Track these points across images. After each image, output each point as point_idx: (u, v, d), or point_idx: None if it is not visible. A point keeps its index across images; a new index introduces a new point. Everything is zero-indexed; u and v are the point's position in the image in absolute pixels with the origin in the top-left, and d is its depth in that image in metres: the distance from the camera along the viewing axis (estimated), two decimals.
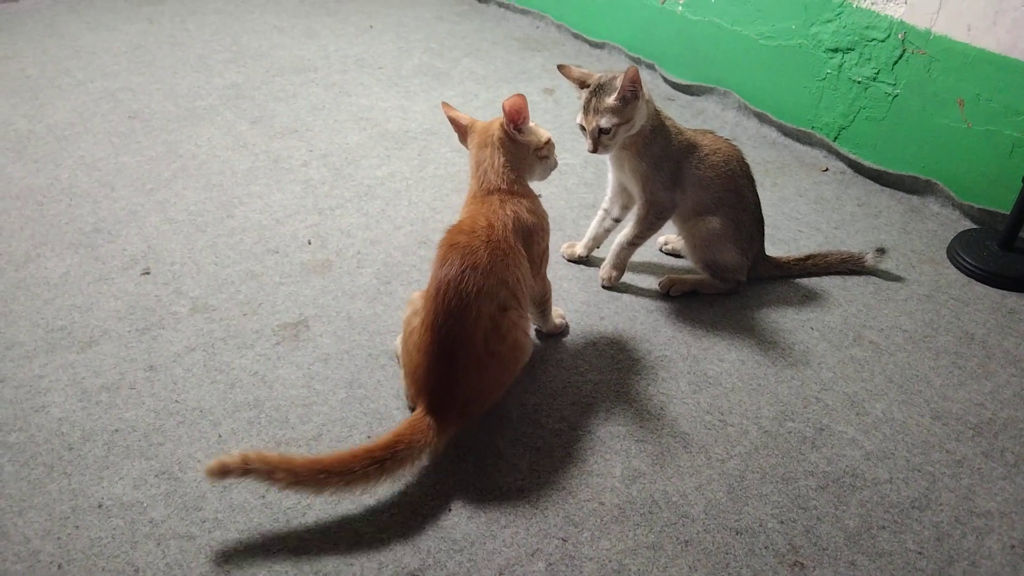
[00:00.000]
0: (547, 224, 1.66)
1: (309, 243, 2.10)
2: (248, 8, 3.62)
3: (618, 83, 1.74)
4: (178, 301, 1.87)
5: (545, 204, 2.28)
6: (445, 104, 1.71)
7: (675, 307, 1.93)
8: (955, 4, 2.15)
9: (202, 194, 2.28)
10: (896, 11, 2.28)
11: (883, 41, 2.35)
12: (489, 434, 1.55)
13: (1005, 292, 2.04)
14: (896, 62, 2.33)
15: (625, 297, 1.96)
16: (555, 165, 1.71)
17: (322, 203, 2.27)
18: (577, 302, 1.94)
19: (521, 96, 1.57)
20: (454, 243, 1.46)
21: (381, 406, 1.60)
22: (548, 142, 1.66)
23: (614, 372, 1.73)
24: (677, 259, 2.13)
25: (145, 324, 1.79)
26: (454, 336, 1.40)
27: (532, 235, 1.58)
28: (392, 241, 2.13)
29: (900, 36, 2.30)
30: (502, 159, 1.60)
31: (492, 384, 1.50)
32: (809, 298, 1.99)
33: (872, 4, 2.34)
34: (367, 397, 1.62)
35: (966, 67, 2.18)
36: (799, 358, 1.80)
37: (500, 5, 3.73)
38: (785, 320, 1.91)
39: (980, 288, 2.05)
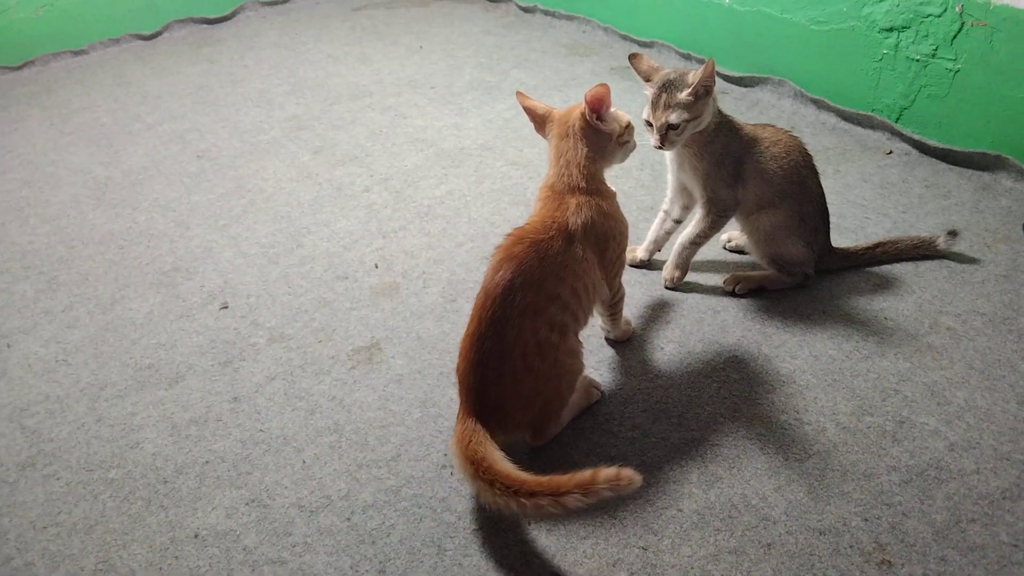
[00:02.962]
0: (624, 228, 1.64)
1: (376, 267, 2.16)
2: (302, 40, 3.73)
3: (691, 79, 1.73)
4: (256, 332, 1.94)
5: None
6: (520, 93, 1.68)
7: (742, 306, 1.92)
8: None
9: (272, 226, 2.36)
10: None
11: (939, 16, 2.28)
12: (563, 447, 1.57)
13: None
14: (955, 36, 2.26)
15: (690, 299, 1.96)
16: (634, 147, 1.67)
17: (385, 226, 2.33)
18: (641, 307, 1.94)
19: (604, 86, 1.54)
20: (511, 254, 1.45)
21: (454, 423, 1.63)
22: (628, 126, 1.63)
23: (684, 376, 1.73)
24: (741, 256, 2.11)
25: (227, 357, 1.86)
26: (491, 347, 1.40)
27: (607, 241, 1.57)
28: (455, 259, 2.17)
29: (958, 9, 2.23)
30: (584, 150, 1.56)
31: (530, 396, 1.44)
32: (880, 287, 1.95)
33: None
34: (441, 415, 1.66)
35: None
36: (874, 350, 1.76)
37: (546, 13, 3.75)
38: (857, 312, 1.87)
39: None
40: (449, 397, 1.70)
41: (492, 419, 1.41)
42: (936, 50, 2.32)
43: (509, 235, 1.50)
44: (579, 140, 1.57)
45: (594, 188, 1.57)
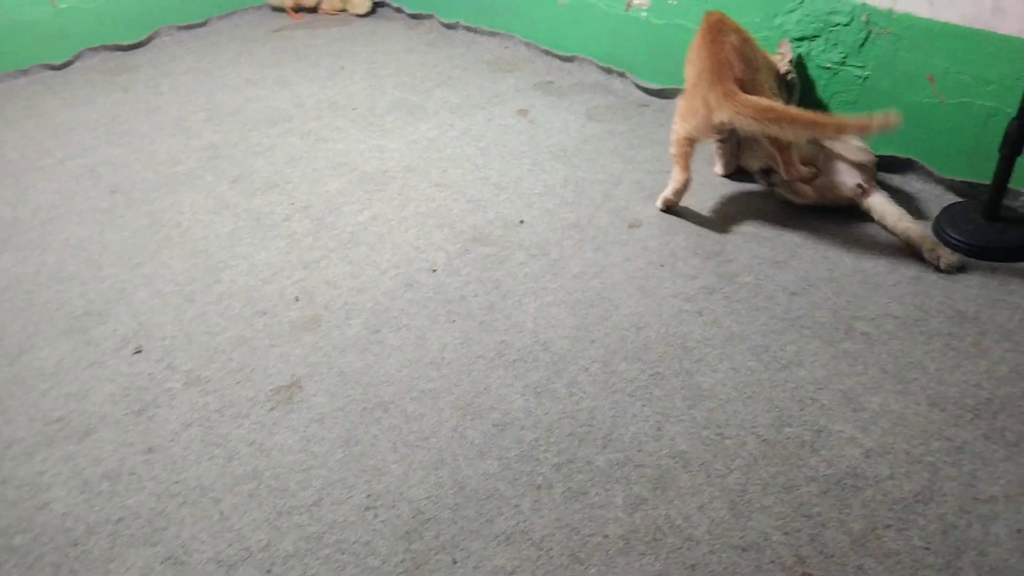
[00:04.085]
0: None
1: (296, 300, 2.12)
2: (220, 64, 3.65)
3: None
4: (172, 377, 1.89)
5: (525, 230, 2.29)
6: None
7: (664, 321, 1.93)
8: None
9: (188, 262, 2.30)
10: None
11: (847, 25, 2.34)
12: (489, 479, 1.55)
13: (994, 264, 2.02)
14: (863, 44, 2.32)
15: (614, 316, 1.96)
16: None
17: (307, 256, 2.29)
18: (566, 327, 1.94)
19: None
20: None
21: (379, 461, 1.61)
22: None
23: (609, 396, 1.73)
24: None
25: (141, 405, 1.81)
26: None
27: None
28: (379, 287, 2.14)
29: (863, 18, 2.29)
30: None
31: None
32: (797, 295, 1.98)
33: None
34: (364, 454, 1.63)
35: (932, 42, 2.17)
36: (792, 359, 1.79)
37: (468, 29, 3.74)
38: (775, 321, 1.90)
39: (969, 263, 2.04)
40: (372, 434, 1.68)
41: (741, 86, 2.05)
42: (845, 58, 2.38)
43: None
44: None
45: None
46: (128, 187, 2.71)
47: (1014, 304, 1.88)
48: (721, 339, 1.86)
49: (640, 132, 2.82)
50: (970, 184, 2.21)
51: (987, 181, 2.16)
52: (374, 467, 1.59)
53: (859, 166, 2.19)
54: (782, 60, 2.41)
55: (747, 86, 2.07)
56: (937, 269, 2.00)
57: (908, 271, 2.03)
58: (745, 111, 2.00)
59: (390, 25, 4.05)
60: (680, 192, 2.29)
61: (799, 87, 2.47)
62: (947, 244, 2.09)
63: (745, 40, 2.22)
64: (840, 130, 1.98)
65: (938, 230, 2.14)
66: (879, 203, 2.15)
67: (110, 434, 1.72)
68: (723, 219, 2.28)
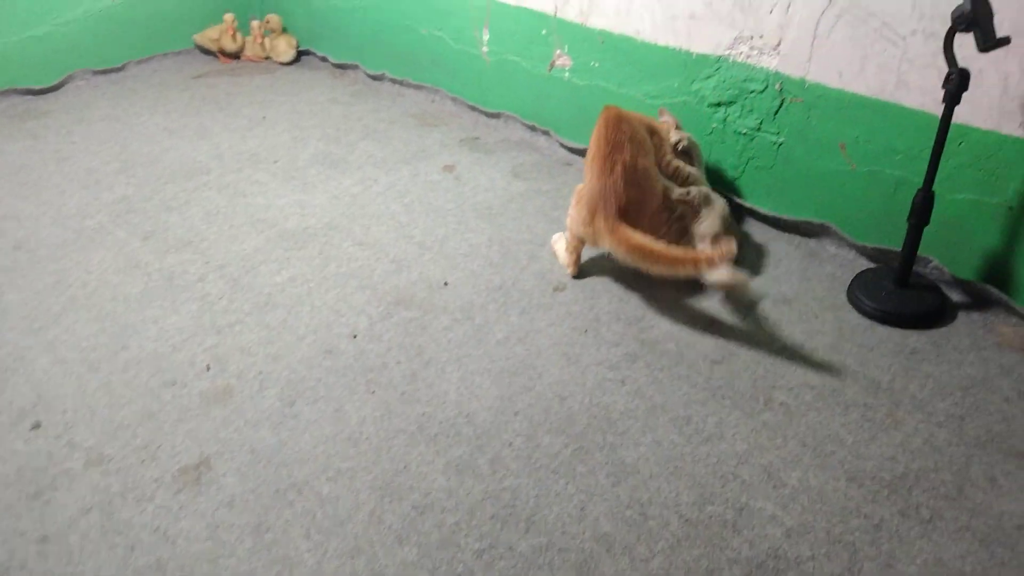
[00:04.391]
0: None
1: (208, 368, 2.03)
2: (136, 112, 3.53)
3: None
4: (71, 455, 1.77)
5: (450, 292, 2.26)
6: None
7: (588, 391, 1.91)
8: (824, 53, 2.21)
9: (94, 326, 2.18)
10: (770, 63, 2.34)
11: (762, 92, 2.40)
12: (408, 568, 1.49)
13: (906, 331, 2.07)
14: (777, 111, 2.38)
15: (538, 387, 1.94)
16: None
17: (220, 320, 2.20)
18: (490, 397, 1.91)
19: None
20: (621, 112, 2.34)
21: (291, 550, 1.53)
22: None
23: (532, 473, 1.69)
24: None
25: (36, 488, 1.69)
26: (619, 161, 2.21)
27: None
28: (295, 354, 2.07)
29: (777, 86, 2.35)
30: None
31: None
32: (718, 363, 1.99)
33: (747, 57, 2.39)
34: (276, 542, 1.55)
35: (842, 112, 2.24)
36: (713, 431, 1.79)
37: (394, 82, 3.71)
38: (696, 391, 1.90)
39: (882, 330, 2.09)
40: (285, 519, 1.60)
41: (624, 217, 2.12)
42: (761, 124, 2.44)
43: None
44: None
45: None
46: (33, 243, 2.57)
47: (925, 373, 1.93)
48: (644, 410, 1.85)
49: (565, 192, 2.82)
50: (881, 250, 2.28)
51: (897, 247, 2.23)
52: (286, 557, 1.52)
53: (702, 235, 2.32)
54: (670, 130, 2.50)
55: (632, 212, 2.15)
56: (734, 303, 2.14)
57: (824, 339, 2.06)
58: (621, 248, 2.10)
59: (314, 74, 4.00)
60: (577, 266, 2.35)
61: (700, 149, 2.53)
62: (860, 310, 2.14)
63: (639, 142, 2.26)
64: (699, 265, 2.03)
65: (851, 296, 2.19)
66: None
67: (1, 522, 1.60)
68: (645, 283, 2.28)
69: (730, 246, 1.98)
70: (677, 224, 2.29)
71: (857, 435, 1.77)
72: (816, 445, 1.74)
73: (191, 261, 2.47)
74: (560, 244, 2.41)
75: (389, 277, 2.37)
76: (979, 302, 2.14)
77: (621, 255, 2.14)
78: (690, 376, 1.95)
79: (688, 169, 2.43)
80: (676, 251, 2.05)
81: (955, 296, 2.18)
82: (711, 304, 2.21)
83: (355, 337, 2.13)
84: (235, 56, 4.16)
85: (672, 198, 2.28)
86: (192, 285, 2.35)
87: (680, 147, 2.43)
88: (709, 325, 2.13)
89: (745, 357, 2.01)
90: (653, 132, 2.40)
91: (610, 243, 2.15)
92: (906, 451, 1.72)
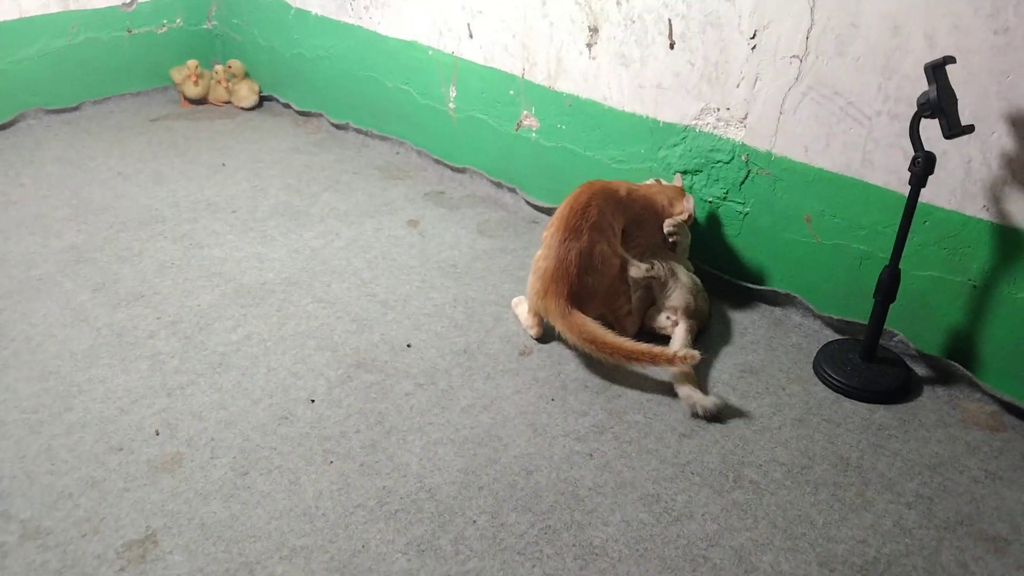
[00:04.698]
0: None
1: (157, 434, 1.93)
2: (90, 155, 3.43)
3: None
4: (6, 528, 1.66)
5: (413, 355, 2.20)
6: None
7: (555, 465, 1.86)
8: (791, 127, 2.24)
9: (36, 385, 2.07)
10: (737, 134, 2.36)
11: (728, 163, 2.41)
12: None
13: (872, 406, 2.07)
14: (743, 182, 2.40)
15: (504, 459, 1.88)
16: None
17: (171, 381, 2.10)
18: (453, 470, 1.84)
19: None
20: (592, 186, 2.31)
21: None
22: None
23: (497, 555, 1.62)
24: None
25: None
26: (574, 247, 2.18)
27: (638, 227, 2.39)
28: (249, 420, 1.98)
29: (743, 158, 2.37)
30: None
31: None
32: (686, 436, 1.96)
33: (714, 128, 2.41)
34: None
35: (808, 185, 2.26)
36: (683, 511, 1.75)
37: (358, 131, 3.68)
38: (665, 466, 1.86)
39: (849, 404, 2.08)
40: None
41: (575, 302, 2.12)
42: (727, 193, 2.45)
43: (587, 182, 2.31)
44: (678, 192, 2.47)
45: (657, 197, 2.43)
46: None
47: (893, 450, 1.92)
48: (613, 486, 1.80)
49: (531, 251, 2.78)
50: (847, 322, 2.29)
51: (862, 320, 2.24)
52: None
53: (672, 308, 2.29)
54: (680, 213, 2.43)
55: (585, 295, 2.15)
56: (694, 415, 2.03)
57: (792, 413, 2.05)
58: (572, 335, 2.11)
59: (277, 121, 3.95)
60: (540, 327, 2.31)
61: (686, 247, 2.49)
62: (826, 383, 2.14)
63: (603, 228, 2.20)
64: (656, 361, 2.02)
65: (818, 368, 2.18)
66: (675, 336, 2.23)
67: None
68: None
69: (694, 353, 2.00)
70: (643, 295, 2.28)
71: (828, 516, 1.74)
72: (787, 526, 1.71)
73: (142, 316, 2.37)
74: (521, 307, 2.37)
75: (350, 337, 2.30)
76: (943, 377, 2.15)
77: (572, 342, 2.13)
78: (659, 450, 1.91)
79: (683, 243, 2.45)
80: (632, 345, 2.04)
81: (920, 370, 2.19)
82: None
83: (313, 402, 2.05)
84: (197, 102, 4.09)
85: (634, 277, 2.24)
86: (143, 342, 2.25)
87: (671, 239, 2.42)
88: (674, 396, 2.10)
89: (713, 431, 1.98)
90: (646, 204, 2.38)
91: (561, 327, 2.14)
92: (877, 533, 1.70)
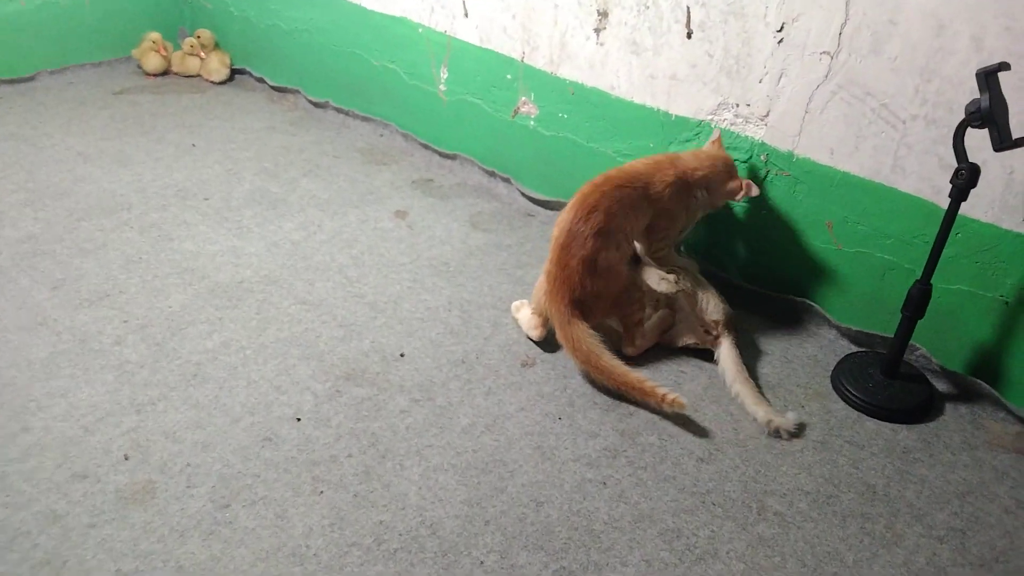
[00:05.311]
0: (678, 225, 2.18)
1: (126, 458, 1.75)
2: (47, 131, 3.17)
3: None
4: None
5: (407, 365, 2.04)
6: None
7: (567, 496, 1.72)
8: (816, 128, 2.09)
9: None
10: (756, 132, 2.21)
11: (745, 162, 2.27)
12: None
13: (895, 426, 1.96)
14: (761, 182, 2.25)
15: (511, 488, 1.73)
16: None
17: (140, 395, 1.92)
18: (456, 502, 1.69)
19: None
20: (600, 188, 2.03)
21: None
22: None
23: None
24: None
25: None
26: (577, 253, 2.00)
27: (661, 216, 2.11)
28: (229, 442, 1.80)
29: (763, 157, 2.22)
30: (718, 176, 2.14)
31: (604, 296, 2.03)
32: (705, 461, 1.83)
33: (732, 125, 2.25)
34: None
35: (831, 190, 2.12)
36: (706, 547, 1.62)
37: (338, 111, 3.46)
38: (685, 496, 1.73)
39: (871, 424, 1.96)
40: None
41: (579, 308, 1.98)
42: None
43: (602, 174, 2.05)
44: (725, 176, 2.14)
45: (691, 187, 2.10)
46: None
47: (920, 476, 1.81)
48: (630, 519, 1.67)
49: (528, 247, 2.63)
50: (867, 334, 2.17)
51: (883, 332, 2.13)
52: None
53: (713, 322, 2.13)
54: (739, 192, 2.15)
55: (589, 301, 2.00)
56: (776, 435, 1.91)
57: (813, 434, 1.92)
58: (567, 344, 2.00)
59: (250, 97, 3.71)
60: (544, 328, 2.16)
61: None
62: (846, 399, 2.02)
63: (607, 233, 1.98)
64: (642, 395, 1.92)
65: (837, 383, 2.06)
66: (724, 354, 2.07)
67: None
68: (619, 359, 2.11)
69: (682, 401, 1.88)
70: (666, 312, 2.13)
71: (858, 552, 1.63)
72: (816, 565, 1.59)
73: (108, 319, 2.16)
74: (523, 311, 2.21)
75: (337, 345, 2.13)
76: (965, 395, 2.04)
77: (570, 356, 2.01)
78: (676, 477, 1.78)
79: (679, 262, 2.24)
80: (623, 374, 1.93)
81: (941, 386, 2.08)
82: (692, 387, 2.05)
83: (299, 420, 1.88)
84: (162, 73, 3.82)
85: (664, 291, 2.09)
86: (109, 349, 2.06)
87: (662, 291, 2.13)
88: (692, 411, 1.96)
89: (733, 455, 1.85)
90: (677, 192, 2.09)
91: (559, 335, 2.01)
92: (910, 572, 1.59)
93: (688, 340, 2.14)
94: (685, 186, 2.10)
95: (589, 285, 1.97)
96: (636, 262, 2.07)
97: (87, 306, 2.20)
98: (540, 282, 2.10)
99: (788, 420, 1.90)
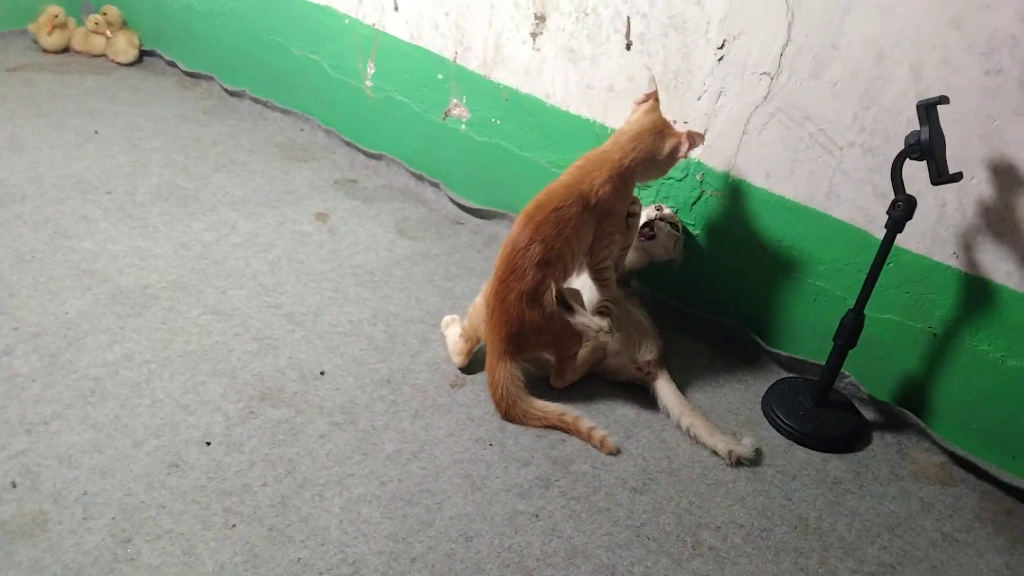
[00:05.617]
0: (623, 215, 2.03)
1: (13, 485, 1.57)
2: None
3: None
4: None
5: (327, 384, 1.92)
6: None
7: (499, 528, 1.63)
8: (753, 149, 2.07)
9: None
10: (694, 151, 2.17)
11: (680, 180, 2.23)
12: None
13: (826, 455, 1.96)
14: (695, 203, 2.22)
15: (439, 521, 1.64)
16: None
17: (32, 414, 1.74)
18: (380, 536, 1.58)
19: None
20: (533, 217, 1.87)
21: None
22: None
23: None
24: None
25: None
26: (515, 289, 1.86)
27: (608, 215, 1.95)
28: (132, 467, 1.65)
29: (698, 177, 2.19)
30: (651, 151, 1.94)
31: (542, 330, 1.90)
32: (639, 492, 1.78)
33: None
34: None
35: (766, 213, 2.11)
36: None
37: (255, 101, 3.28)
38: (619, 529, 1.68)
39: (801, 453, 1.96)
40: None
41: (515, 343, 1.88)
42: (676, 212, 2.27)
43: (534, 200, 1.90)
44: (656, 142, 1.94)
45: (627, 175, 1.94)
46: None
47: (851, 509, 1.81)
48: (563, 555, 1.60)
49: (457, 257, 2.54)
50: (797, 360, 2.17)
51: (813, 359, 2.13)
52: None
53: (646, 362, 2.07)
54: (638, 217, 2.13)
55: (528, 335, 1.89)
56: (738, 464, 1.89)
57: (746, 463, 1.91)
58: (491, 382, 1.93)
59: (159, 82, 3.48)
60: (468, 357, 2.07)
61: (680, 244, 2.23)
62: (777, 426, 2.01)
63: (549, 262, 1.86)
64: (572, 431, 1.91)
65: (767, 408, 2.06)
66: (663, 390, 2.03)
67: None
68: (548, 384, 2.05)
69: (614, 448, 1.87)
70: (597, 348, 2.05)
71: None
72: None
73: None
74: (452, 328, 2.12)
75: (251, 361, 1.99)
76: (892, 424, 2.06)
77: (488, 391, 1.95)
78: (610, 509, 1.72)
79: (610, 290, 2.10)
80: (550, 419, 1.91)
81: (869, 415, 2.09)
82: (625, 412, 2.00)
83: (208, 445, 1.74)
84: (62, 50, 3.54)
85: (589, 330, 1.95)
86: None
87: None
88: (625, 439, 1.91)
89: (666, 484, 1.81)
90: (605, 213, 1.95)
91: (487, 369, 1.94)
92: None
93: (620, 378, 2.08)
94: (621, 179, 1.93)
95: (528, 319, 1.87)
96: (567, 307, 1.91)
97: None
98: (477, 304, 2.00)
99: (747, 447, 1.88)
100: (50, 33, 3.45)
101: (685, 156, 1.97)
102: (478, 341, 2.03)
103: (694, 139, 1.95)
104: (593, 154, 1.97)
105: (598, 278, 2.05)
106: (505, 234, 2.62)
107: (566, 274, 1.94)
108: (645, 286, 2.39)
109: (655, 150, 1.94)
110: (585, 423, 1.88)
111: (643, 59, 2.18)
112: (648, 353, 2.05)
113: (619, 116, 2.28)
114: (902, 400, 2.05)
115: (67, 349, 1.93)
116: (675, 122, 2.18)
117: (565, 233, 1.88)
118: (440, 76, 2.65)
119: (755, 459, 1.89)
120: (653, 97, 2.00)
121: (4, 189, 2.50)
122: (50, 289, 2.12)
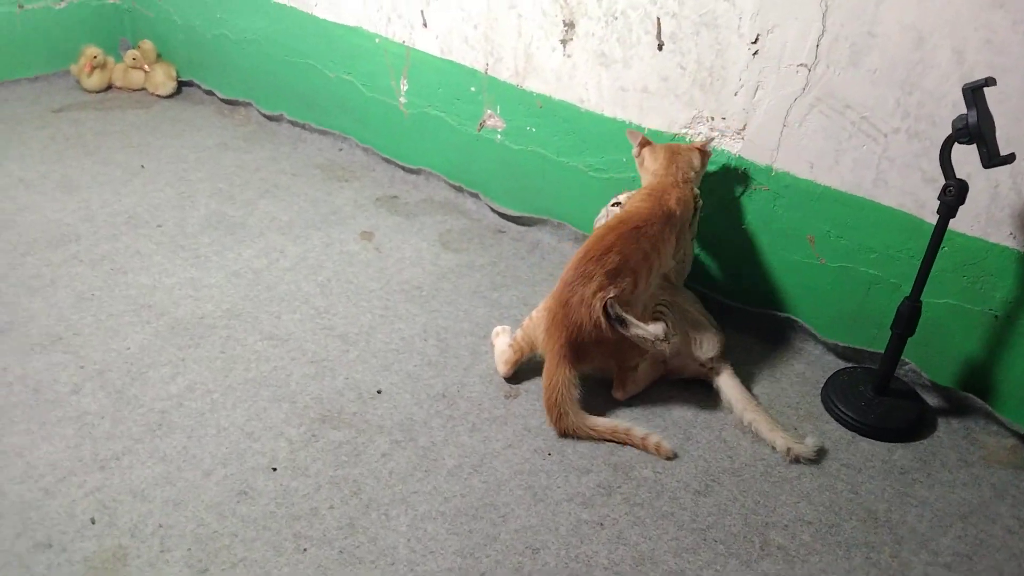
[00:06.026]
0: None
1: (92, 522, 1.62)
2: None
3: None
4: None
5: (385, 403, 1.95)
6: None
7: (564, 539, 1.64)
8: (794, 141, 2.05)
9: None
10: (733, 146, 2.16)
11: (723, 177, 2.21)
12: None
13: (891, 445, 1.93)
14: (739, 197, 2.20)
15: (504, 535, 1.65)
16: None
17: (103, 450, 1.79)
18: (448, 553, 1.61)
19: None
20: (615, 229, 1.95)
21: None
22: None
23: None
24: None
25: None
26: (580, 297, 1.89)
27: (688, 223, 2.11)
28: (203, 497, 1.69)
29: (740, 172, 2.17)
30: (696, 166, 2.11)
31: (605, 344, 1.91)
32: (702, 494, 1.77)
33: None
34: None
35: (811, 204, 2.08)
36: None
37: (293, 124, 3.33)
38: (685, 534, 1.67)
39: (865, 444, 1.93)
40: None
41: (574, 350, 1.89)
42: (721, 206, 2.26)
43: (615, 217, 2.02)
44: (685, 154, 2.10)
45: (687, 188, 2.08)
46: None
47: (920, 499, 1.78)
48: (631, 562, 1.60)
49: (502, 266, 2.55)
50: (854, 349, 2.14)
51: (870, 348, 2.10)
52: None
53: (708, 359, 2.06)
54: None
55: (586, 344, 1.89)
56: (796, 462, 1.87)
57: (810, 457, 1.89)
58: (546, 386, 1.91)
59: (199, 111, 3.55)
60: (514, 367, 2.07)
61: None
62: (838, 419, 1.99)
63: (633, 263, 1.91)
64: (623, 440, 1.89)
65: (828, 402, 2.03)
66: (726, 385, 2.02)
67: None
68: (606, 385, 2.04)
69: (669, 450, 1.86)
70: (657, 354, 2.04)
71: None
72: None
73: (62, 364, 2.03)
74: (501, 338, 2.13)
75: (309, 383, 2.02)
76: (958, 409, 2.03)
77: (544, 394, 1.92)
78: (675, 513, 1.72)
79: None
80: (600, 431, 1.89)
81: (932, 401, 2.06)
82: (683, 413, 2.00)
83: (275, 470, 1.77)
84: (104, 89, 3.64)
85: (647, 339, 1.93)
86: (65, 399, 1.92)
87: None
88: (684, 441, 1.91)
89: (730, 484, 1.80)
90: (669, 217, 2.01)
91: (544, 374, 1.92)
92: None
93: (684, 375, 2.07)
94: (684, 193, 2.07)
95: (589, 328, 1.87)
96: (620, 320, 1.87)
97: (39, 351, 2.06)
98: (535, 317, 2.01)
99: (808, 447, 1.86)
100: (90, 75, 3.53)
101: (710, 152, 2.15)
102: (530, 353, 2.03)
103: (707, 145, 2.13)
104: (648, 187, 2.09)
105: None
106: (548, 240, 2.65)
107: (635, 289, 1.93)
108: (695, 282, 2.38)
109: (690, 162, 2.09)
110: (638, 431, 1.88)
111: (676, 58, 2.17)
112: (711, 350, 2.04)
113: (655, 117, 2.28)
114: (966, 384, 2.01)
115: (132, 384, 1.99)
116: (712, 119, 2.17)
117: (644, 248, 1.93)
118: (473, 88, 2.67)
119: (816, 459, 1.87)
120: (644, 140, 2.15)
121: (60, 229, 2.58)
122: (110, 326, 2.18)
